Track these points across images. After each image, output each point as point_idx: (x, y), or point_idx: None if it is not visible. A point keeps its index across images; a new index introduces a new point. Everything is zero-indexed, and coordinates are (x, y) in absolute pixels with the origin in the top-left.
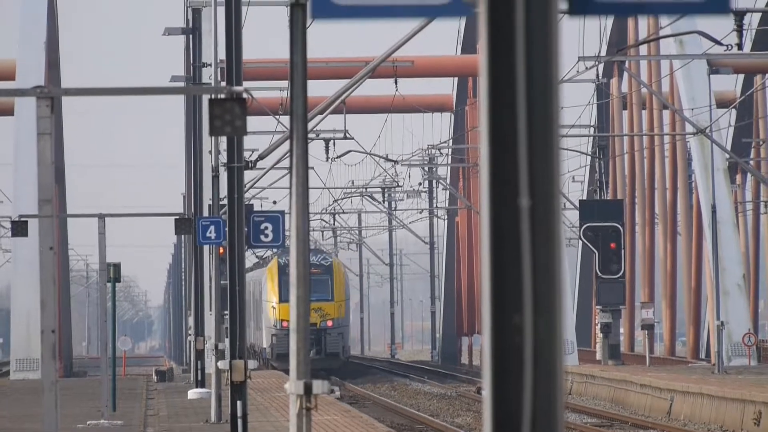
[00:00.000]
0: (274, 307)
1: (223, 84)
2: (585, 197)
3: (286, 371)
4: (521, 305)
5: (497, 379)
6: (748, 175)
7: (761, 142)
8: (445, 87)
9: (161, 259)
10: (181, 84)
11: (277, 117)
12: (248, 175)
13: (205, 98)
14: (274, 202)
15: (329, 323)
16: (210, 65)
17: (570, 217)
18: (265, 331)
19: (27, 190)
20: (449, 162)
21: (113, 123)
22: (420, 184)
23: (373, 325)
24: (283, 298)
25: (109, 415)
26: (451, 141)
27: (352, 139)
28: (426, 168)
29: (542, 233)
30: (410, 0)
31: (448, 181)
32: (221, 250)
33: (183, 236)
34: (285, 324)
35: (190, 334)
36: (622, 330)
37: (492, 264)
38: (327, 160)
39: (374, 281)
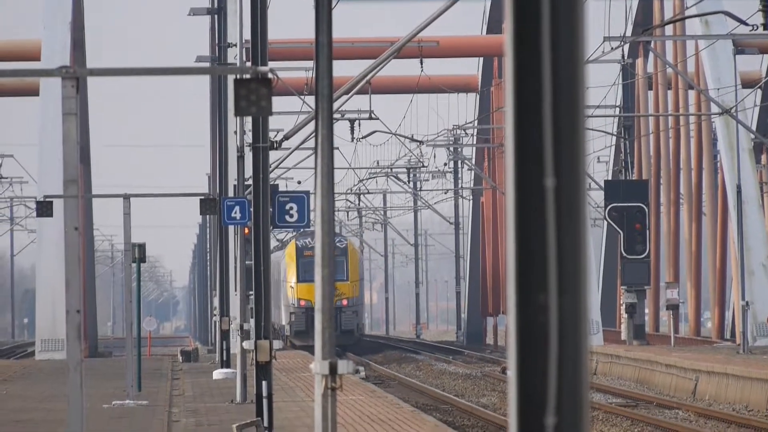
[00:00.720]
0: (292, 287)
1: (249, 64)
2: (610, 177)
3: (304, 347)
4: (546, 285)
5: (522, 359)
6: None
7: None
8: (471, 67)
9: (186, 239)
10: (207, 64)
11: (302, 97)
12: (273, 156)
13: (231, 78)
14: (299, 182)
15: (344, 302)
16: (235, 45)
17: (595, 197)
18: (284, 310)
19: (52, 170)
20: (474, 142)
21: (139, 103)
22: (445, 164)
23: (398, 305)
24: (301, 278)
25: (134, 395)
26: (476, 121)
27: (377, 119)
28: (451, 148)
29: (567, 213)
30: None
31: (473, 162)
32: (246, 231)
33: (208, 216)
34: (302, 303)
35: (215, 315)
36: (647, 310)
37: (517, 244)
38: (352, 141)
39: (399, 261)
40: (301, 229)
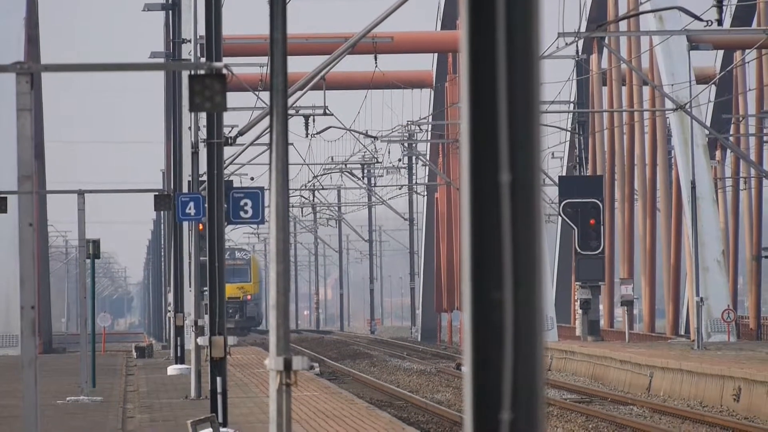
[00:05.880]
0: None
1: (203, 60)
2: (564, 173)
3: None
4: (501, 281)
5: (478, 355)
6: (728, 151)
7: (740, 118)
8: (425, 63)
9: (141, 235)
10: (161, 60)
11: (256, 93)
12: (228, 152)
13: (185, 74)
14: (252, 179)
15: (248, 297)
16: (190, 41)
17: (549, 193)
18: None
19: (6, 166)
20: (429, 138)
21: (93, 99)
22: (399, 160)
23: (353, 301)
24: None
25: (88, 392)
26: (430, 117)
27: (332, 115)
28: (405, 144)
29: (522, 209)
30: None
31: (428, 158)
32: (201, 227)
33: (162, 212)
34: None
35: (169, 311)
36: (601, 306)
37: (472, 240)
38: (306, 136)
39: (354, 257)
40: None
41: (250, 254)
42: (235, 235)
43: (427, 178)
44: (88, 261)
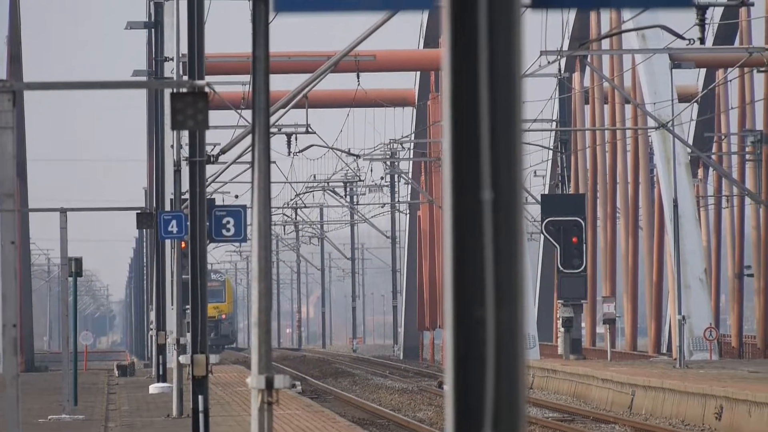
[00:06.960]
0: None
1: (185, 78)
2: (547, 191)
3: None
4: (483, 299)
5: (459, 373)
6: (710, 169)
7: (723, 137)
8: (408, 81)
9: (123, 253)
10: (143, 78)
11: (239, 111)
12: (210, 170)
13: (167, 92)
14: (236, 197)
15: (223, 316)
16: (172, 59)
17: (532, 211)
18: None
19: None
20: (411, 156)
21: (75, 117)
22: (382, 178)
23: (335, 319)
24: None
25: (70, 410)
26: (413, 135)
27: (314, 133)
28: (388, 162)
29: (504, 227)
30: None
31: (410, 176)
32: (183, 245)
33: (145, 230)
34: None
35: (151, 329)
36: (583, 324)
37: (454, 258)
38: (289, 155)
39: (336, 275)
40: None
41: (225, 276)
42: (218, 253)
43: (409, 196)
44: (71, 279)
